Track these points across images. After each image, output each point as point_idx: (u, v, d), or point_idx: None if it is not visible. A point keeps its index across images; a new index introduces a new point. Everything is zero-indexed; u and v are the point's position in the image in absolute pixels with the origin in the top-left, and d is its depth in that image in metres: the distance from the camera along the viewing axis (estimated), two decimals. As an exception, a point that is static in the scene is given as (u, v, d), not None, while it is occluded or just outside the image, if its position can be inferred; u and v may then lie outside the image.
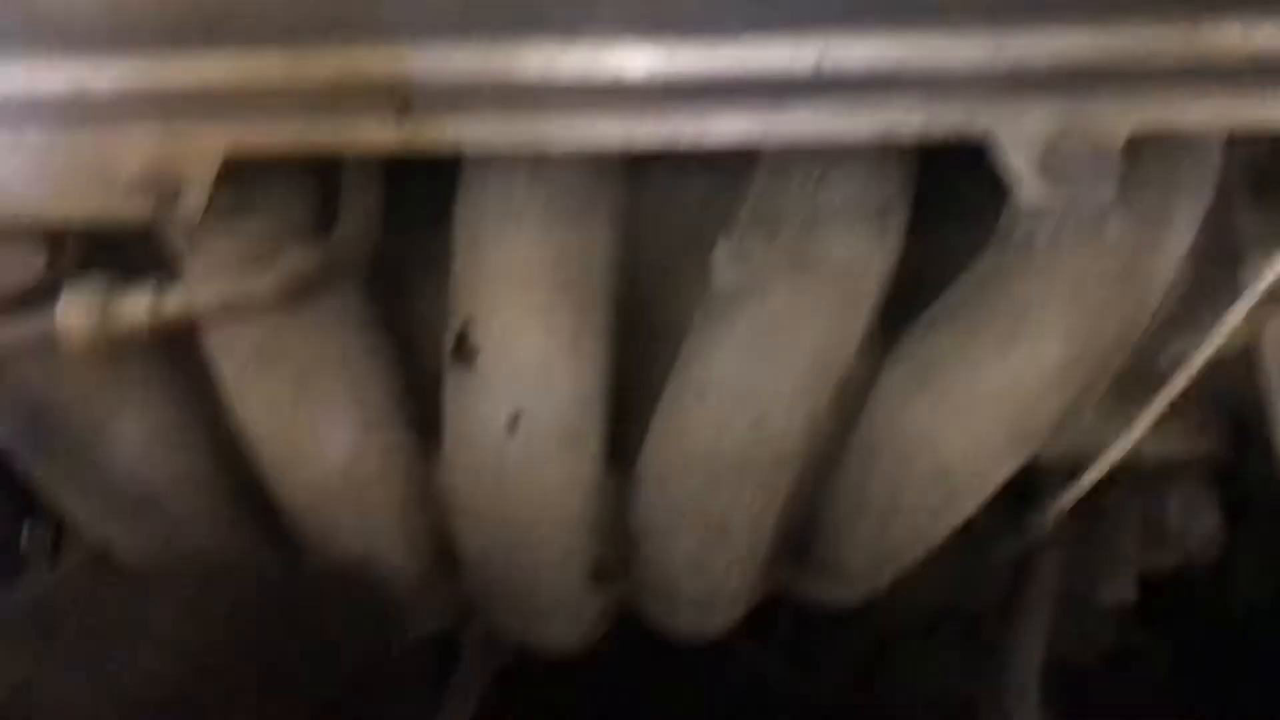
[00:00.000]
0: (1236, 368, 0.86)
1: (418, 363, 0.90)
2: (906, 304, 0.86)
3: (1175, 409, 0.88)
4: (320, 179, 0.84)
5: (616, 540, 0.91)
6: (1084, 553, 1.20)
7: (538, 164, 0.82)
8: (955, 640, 1.41)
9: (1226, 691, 1.34)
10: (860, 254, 0.82)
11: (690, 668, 1.59)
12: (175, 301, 0.73)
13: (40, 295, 0.77)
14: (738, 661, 1.46)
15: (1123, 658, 1.42)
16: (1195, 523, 0.95)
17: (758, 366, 0.82)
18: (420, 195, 0.84)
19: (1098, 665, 1.38)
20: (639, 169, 0.87)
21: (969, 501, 0.86)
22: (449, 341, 0.85)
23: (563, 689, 1.47)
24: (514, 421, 0.83)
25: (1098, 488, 1.01)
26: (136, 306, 0.72)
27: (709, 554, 0.87)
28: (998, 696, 0.98)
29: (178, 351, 0.88)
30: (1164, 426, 0.88)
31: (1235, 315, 0.77)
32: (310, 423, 0.85)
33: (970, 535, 1.27)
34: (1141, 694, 1.43)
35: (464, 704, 1.16)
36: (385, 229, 0.83)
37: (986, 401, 0.82)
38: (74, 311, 0.72)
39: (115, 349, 0.73)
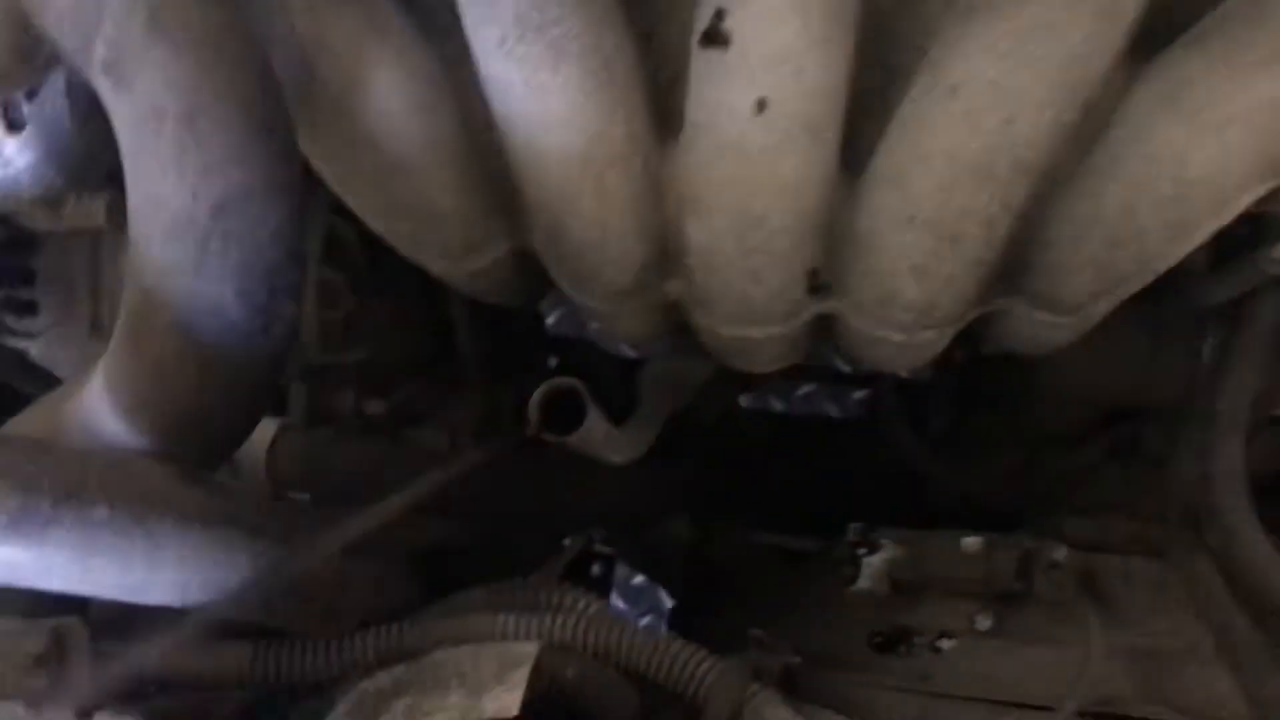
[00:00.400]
0: None
1: (658, 58, 0.93)
2: (1161, 32, 0.86)
3: None
4: None
5: (838, 252, 0.94)
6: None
7: None
8: (1114, 449, 1.41)
9: None
10: (1125, -34, 0.82)
11: (846, 450, 1.63)
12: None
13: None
14: (892, 449, 1.48)
15: None
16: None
17: (1013, 68, 0.82)
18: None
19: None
20: None
21: (1202, 229, 0.86)
22: (699, 30, 0.87)
23: (726, 461, 1.52)
24: (761, 106, 0.86)
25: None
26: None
27: (936, 259, 0.89)
28: (1202, 425, 0.98)
29: (437, 23, 0.92)
30: None
31: None
32: (561, 95, 0.89)
33: (1153, 326, 1.27)
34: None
35: (645, 436, 1.20)
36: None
37: (1239, 122, 0.81)
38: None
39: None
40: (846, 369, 1.71)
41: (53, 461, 0.68)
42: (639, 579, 2.15)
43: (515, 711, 0.74)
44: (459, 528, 1.14)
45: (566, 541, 1.37)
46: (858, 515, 1.48)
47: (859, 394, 2.19)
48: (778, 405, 2.50)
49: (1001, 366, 1.40)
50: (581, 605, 0.89)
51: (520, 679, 0.77)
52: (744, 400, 2.09)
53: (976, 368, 1.42)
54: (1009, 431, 1.47)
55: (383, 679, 0.83)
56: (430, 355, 1.39)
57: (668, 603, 1.91)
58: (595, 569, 1.59)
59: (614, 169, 0.92)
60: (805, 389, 2.43)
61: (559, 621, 0.85)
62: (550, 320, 1.82)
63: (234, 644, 0.86)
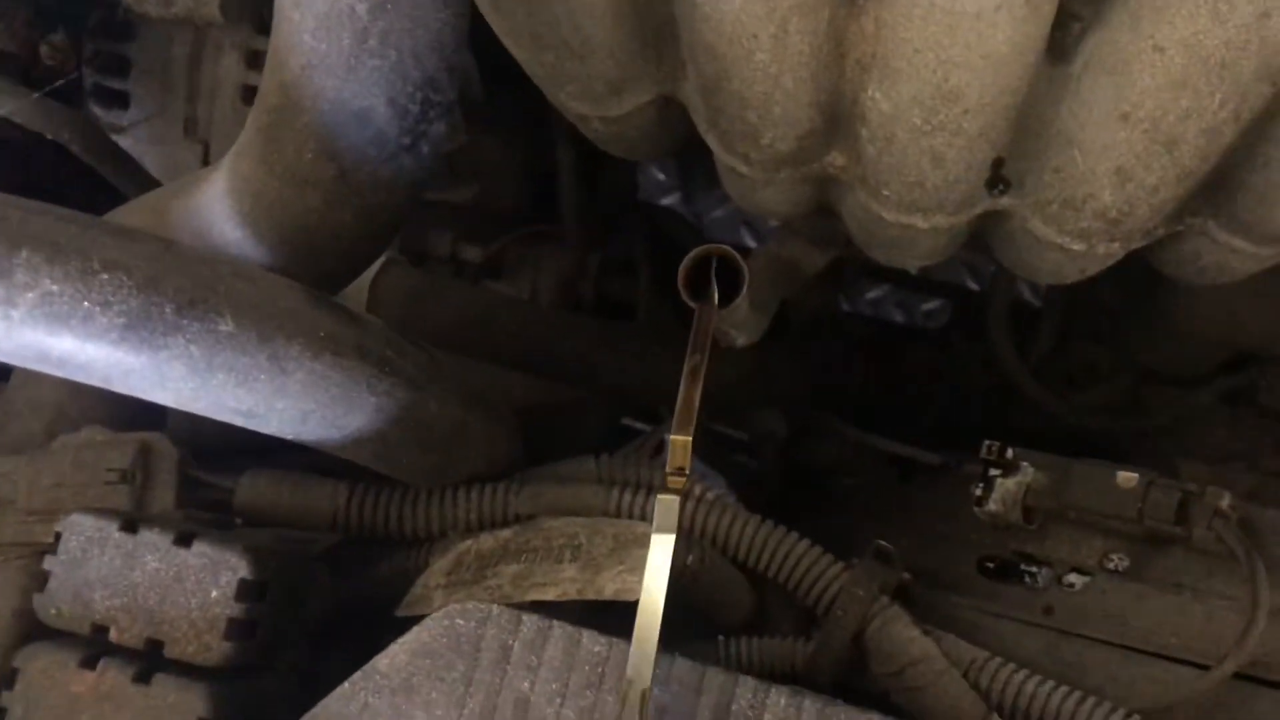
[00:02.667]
0: None
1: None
2: None
3: None
4: None
5: (1030, 145, 0.85)
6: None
7: None
8: (1228, 395, 1.34)
9: None
10: None
11: (934, 367, 1.56)
12: None
13: None
14: (997, 367, 1.41)
15: None
16: None
17: (1281, -45, 0.73)
18: None
19: None
20: None
21: None
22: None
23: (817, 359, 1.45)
24: (983, -35, 0.76)
25: None
26: None
27: (1143, 165, 0.80)
28: None
29: None
30: None
31: None
32: (756, -75, 0.79)
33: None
34: None
35: (762, 320, 1.13)
36: None
37: None
38: None
39: None
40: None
41: (178, 261, 0.61)
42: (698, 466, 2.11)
43: (638, 595, 0.68)
44: (558, 390, 1.08)
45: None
46: (943, 427, 1.42)
47: (931, 304, 2.12)
48: (844, 306, 2.42)
49: (1121, 288, 1.32)
50: (699, 490, 0.82)
51: (640, 560, 0.71)
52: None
53: (1091, 293, 1.34)
54: (1114, 363, 1.40)
55: (487, 541, 0.78)
56: (528, 208, 1.31)
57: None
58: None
59: (799, 16, 0.82)
60: (875, 292, 2.36)
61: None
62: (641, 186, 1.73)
63: (329, 482, 0.80)
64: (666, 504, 0.65)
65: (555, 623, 0.61)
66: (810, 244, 1.19)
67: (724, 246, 0.82)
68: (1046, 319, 1.49)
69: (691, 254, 0.82)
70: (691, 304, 0.81)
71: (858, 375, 1.50)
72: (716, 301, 0.80)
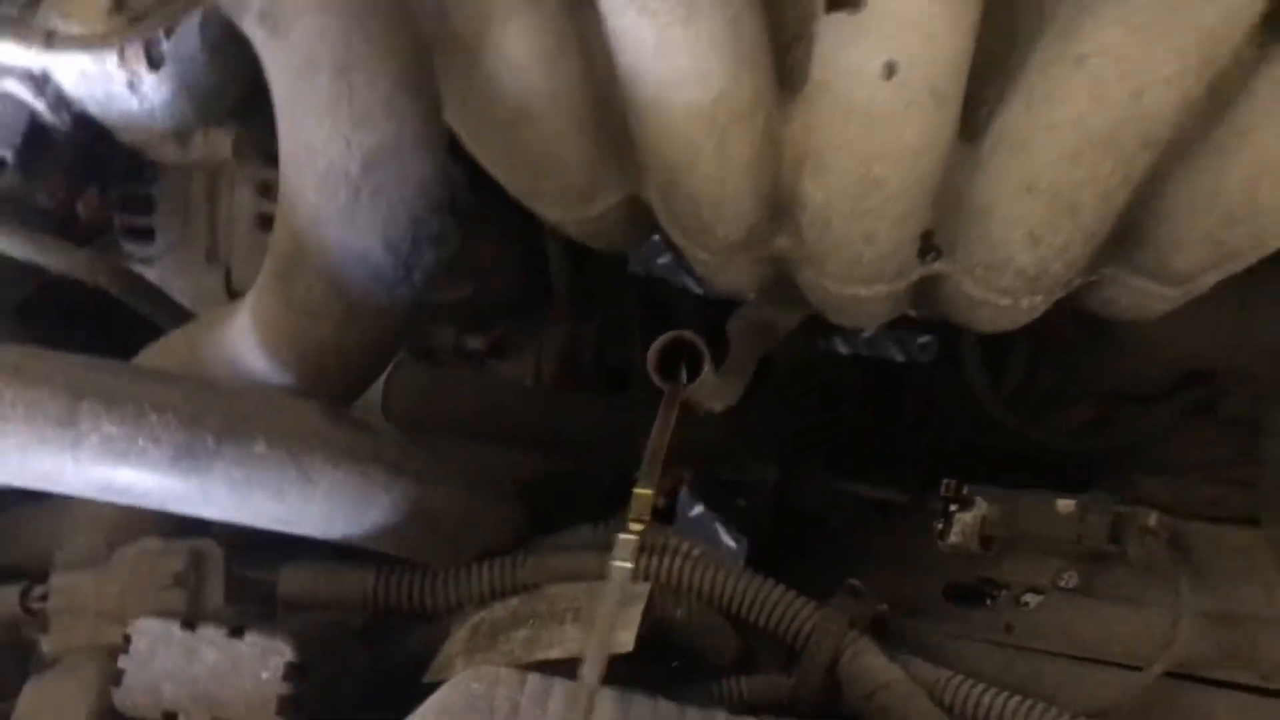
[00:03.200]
0: None
1: (781, 18, 0.94)
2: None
3: None
4: None
5: (952, 217, 0.96)
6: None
7: None
8: (1191, 410, 1.42)
9: None
10: (1262, -55, 0.81)
11: (922, 400, 1.66)
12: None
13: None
14: (967, 402, 1.50)
15: None
16: None
17: (1145, 41, 0.83)
18: None
19: None
20: None
21: (1325, 208, 0.87)
22: (829, -9, 0.88)
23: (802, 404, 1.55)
24: (890, 70, 0.86)
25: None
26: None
27: (1051, 228, 0.90)
28: None
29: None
30: None
31: None
32: (691, 51, 0.90)
33: (1242, 291, 1.27)
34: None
35: (740, 383, 1.23)
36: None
37: (1371, 103, 0.82)
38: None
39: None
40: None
41: (215, 398, 0.72)
42: (698, 509, 2.21)
43: (631, 647, 0.79)
44: (558, 463, 1.18)
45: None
46: (926, 460, 1.51)
47: (924, 339, 2.21)
48: (842, 348, 2.52)
49: (1080, 321, 1.41)
50: (685, 548, 0.92)
51: (635, 616, 0.81)
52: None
53: (1056, 321, 1.44)
54: (1083, 386, 1.49)
55: (498, 610, 0.88)
56: (525, 294, 1.42)
57: (728, 540, 1.96)
58: (660, 500, 1.64)
59: (737, 126, 0.93)
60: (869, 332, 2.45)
61: (665, 562, 0.88)
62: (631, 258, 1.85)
63: (358, 569, 0.90)
64: (625, 542, 0.76)
65: (555, 679, 0.72)
66: (782, 305, 1.29)
67: (688, 333, 0.93)
68: (1016, 351, 1.59)
69: (658, 341, 0.92)
70: (661, 385, 0.91)
71: (851, 416, 1.60)
72: (685, 382, 0.90)
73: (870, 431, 1.56)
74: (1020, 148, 0.90)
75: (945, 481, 1.02)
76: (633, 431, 1.30)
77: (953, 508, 0.99)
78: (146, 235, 1.23)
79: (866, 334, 2.54)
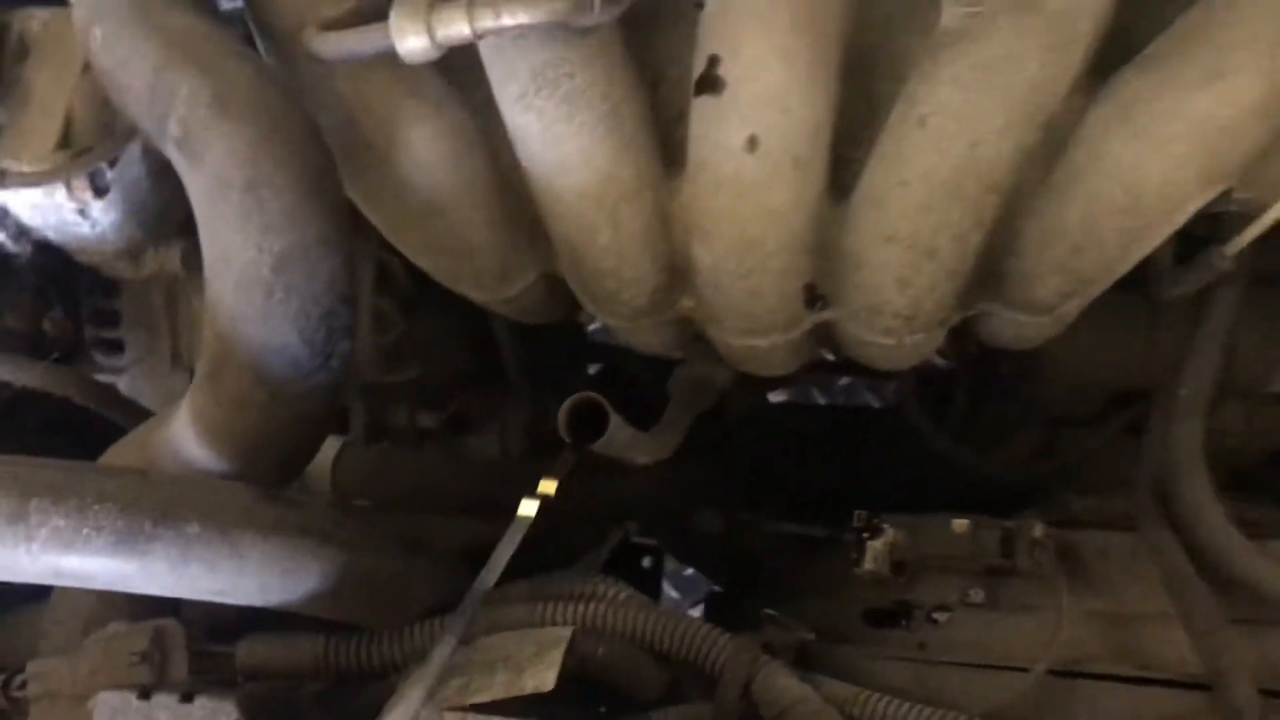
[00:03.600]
0: None
1: (663, 99, 1.03)
2: (1119, 55, 0.95)
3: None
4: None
5: (830, 268, 1.04)
6: (1255, 341, 1.27)
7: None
8: (1125, 426, 1.48)
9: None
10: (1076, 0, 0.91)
11: (873, 442, 1.73)
12: (487, 12, 0.87)
13: (367, 18, 0.93)
14: (916, 439, 1.57)
15: None
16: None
17: (977, 98, 0.92)
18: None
19: (1266, 460, 1.42)
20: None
21: (1156, 234, 0.95)
22: (696, 76, 0.98)
23: (752, 448, 1.62)
24: (752, 143, 0.96)
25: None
26: (456, 13, 0.87)
27: (915, 272, 0.98)
28: (1166, 407, 1.07)
29: (457, 71, 1.03)
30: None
31: None
32: (575, 140, 1.00)
33: (1150, 311, 1.34)
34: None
35: (672, 438, 1.31)
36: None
37: (1183, 135, 0.90)
38: (405, 19, 0.87)
39: (437, 51, 0.88)
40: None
41: (151, 486, 0.81)
42: (691, 570, 2.27)
43: (551, 686, 0.86)
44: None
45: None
46: (883, 501, 1.57)
47: (891, 384, 2.29)
48: (820, 398, 2.60)
49: (1013, 356, 1.49)
50: (612, 593, 1.00)
51: (556, 658, 0.89)
52: (776, 395, 2.22)
53: (992, 357, 1.51)
54: (1024, 416, 1.55)
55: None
56: (477, 370, 1.51)
57: (672, 592, 2.02)
58: (646, 562, 1.71)
59: (625, 203, 1.03)
60: (843, 381, 2.53)
61: (590, 608, 0.96)
62: (591, 328, 1.94)
63: (310, 637, 0.98)
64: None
65: (475, 715, 0.79)
66: (715, 362, 1.38)
67: (591, 394, 1.01)
68: (959, 387, 1.66)
69: (567, 402, 1.01)
70: (568, 440, 0.99)
71: (813, 462, 1.67)
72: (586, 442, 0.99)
73: (824, 476, 1.63)
74: (879, 202, 0.99)
75: (857, 513, 1.09)
76: (588, 493, 1.39)
77: (865, 536, 1.07)
78: (116, 348, 1.33)
79: (843, 382, 2.63)
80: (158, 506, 0.79)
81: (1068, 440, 1.53)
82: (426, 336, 1.39)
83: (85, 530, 0.77)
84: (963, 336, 1.22)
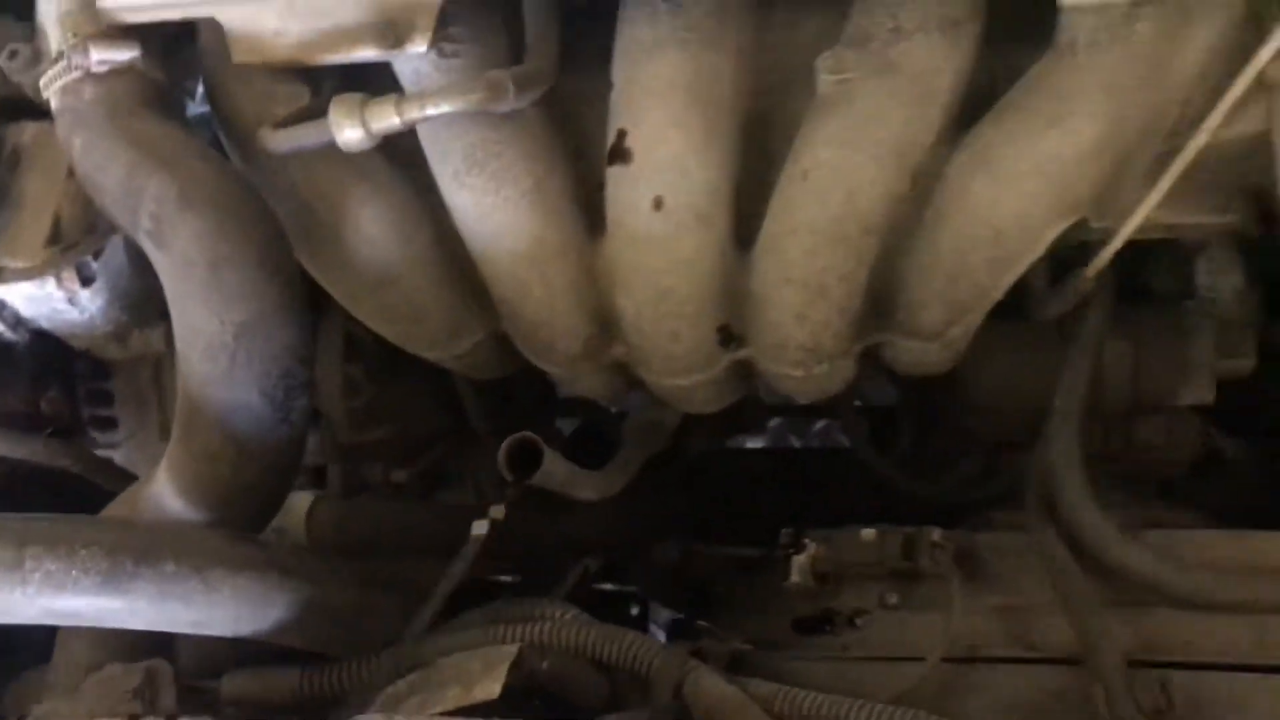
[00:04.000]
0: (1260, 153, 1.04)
1: (586, 170, 1.16)
2: (983, 108, 1.07)
3: (1204, 187, 1.07)
4: (510, 27, 1.10)
5: (740, 310, 1.16)
6: (1161, 358, 1.38)
7: (675, 7, 1.06)
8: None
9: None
10: (934, 60, 1.03)
11: (822, 475, 1.83)
12: (413, 105, 1.00)
13: (315, 115, 1.07)
14: (865, 470, 1.67)
15: (1210, 464, 1.56)
16: (1223, 280, 1.12)
17: (850, 153, 1.05)
18: (588, 43, 1.10)
19: (1186, 470, 1.52)
20: (762, 9, 1.10)
21: (1021, 262, 1.07)
22: (609, 147, 1.11)
23: (705, 485, 1.73)
24: (658, 203, 1.08)
25: (1147, 264, 1.21)
26: (386, 107, 1.00)
27: (812, 307, 1.10)
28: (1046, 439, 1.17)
29: (405, 159, 1.16)
30: (1193, 201, 1.07)
31: (1233, 95, 0.96)
32: (504, 211, 1.12)
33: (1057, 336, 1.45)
34: (1229, 499, 1.56)
35: (620, 476, 1.42)
36: (564, 69, 1.09)
37: (1033, 173, 1.03)
38: (342, 114, 1.00)
39: (372, 141, 1.01)
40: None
41: (131, 532, 0.92)
42: (679, 616, 2.36)
43: (496, 695, 0.96)
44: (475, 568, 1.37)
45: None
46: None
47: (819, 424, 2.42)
48: (795, 441, 2.70)
49: (949, 388, 1.59)
50: (559, 614, 1.10)
51: (502, 672, 0.99)
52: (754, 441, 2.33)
53: (932, 391, 1.62)
54: (963, 444, 1.65)
55: (400, 685, 1.05)
56: (449, 428, 1.62)
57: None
58: (634, 609, 1.81)
59: (553, 263, 1.15)
60: (776, 421, 2.62)
61: (536, 627, 1.06)
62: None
63: (287, 669, 1.08)
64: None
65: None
66: (664, 408, 1.49)
67: (528, 434, 1.12)
68: (903, 419, 1.77)
69: (506, 441, 1.12)
70: (509, 478, 1.10)
71: (767, 498, 1.77)
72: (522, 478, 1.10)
73: (780, 512, 1.73)
74: (774, 249, 1.11)
75: (784, 531, 1.20)
76: (549, 531, 1.49)
77: (791, 552, 1.17)
78: (111, 425, 1.45)
79: (818, 426, 2.73)
80: (138, 549, 0.90)
81: (1008, 462, 1.62)
82: (397, 398, 1.51)
83: (74, 572, 0.88)
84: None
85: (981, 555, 1.12)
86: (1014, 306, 1.21)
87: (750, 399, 2.01)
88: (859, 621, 1.12)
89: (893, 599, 1.12)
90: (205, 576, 0.92)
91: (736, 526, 1.69)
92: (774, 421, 2.56)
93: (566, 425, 2.09)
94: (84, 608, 0.90)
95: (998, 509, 1.53)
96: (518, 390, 1.72)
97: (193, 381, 0.99)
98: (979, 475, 1.65)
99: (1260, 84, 1.01)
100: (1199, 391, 1.38)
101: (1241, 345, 1.36)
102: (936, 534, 1.10)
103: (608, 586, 1.74)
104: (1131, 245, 1.16)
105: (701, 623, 1.10)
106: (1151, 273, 1.36)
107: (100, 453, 1.46)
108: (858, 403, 2.33)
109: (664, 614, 2.30)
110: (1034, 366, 1.47)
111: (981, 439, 1.66)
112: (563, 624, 1.07)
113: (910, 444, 1.77)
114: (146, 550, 0.91)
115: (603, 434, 1.83)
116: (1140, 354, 1.38)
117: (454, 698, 0.99)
